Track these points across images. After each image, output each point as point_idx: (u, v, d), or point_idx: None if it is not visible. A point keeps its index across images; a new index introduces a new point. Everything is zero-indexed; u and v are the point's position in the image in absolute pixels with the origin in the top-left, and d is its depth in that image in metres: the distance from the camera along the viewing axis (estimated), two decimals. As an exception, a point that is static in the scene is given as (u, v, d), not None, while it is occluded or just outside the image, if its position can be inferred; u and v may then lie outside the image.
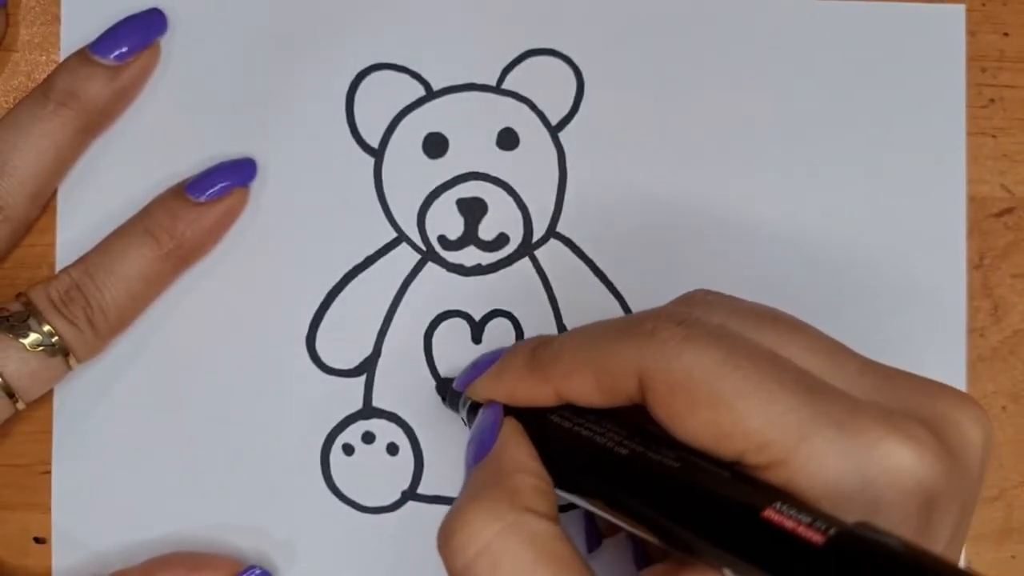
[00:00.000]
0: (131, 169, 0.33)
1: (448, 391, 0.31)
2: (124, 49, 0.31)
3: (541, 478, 0.25)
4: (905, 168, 0.34)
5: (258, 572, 0.32)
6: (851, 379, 0.23)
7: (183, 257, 0.31)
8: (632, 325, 0.24)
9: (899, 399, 0.23)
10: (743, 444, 0.22)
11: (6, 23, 0.33)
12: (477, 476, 0.26)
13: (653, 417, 0.24)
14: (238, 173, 0.32)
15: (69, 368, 0.31)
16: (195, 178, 0.32)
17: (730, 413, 0.22)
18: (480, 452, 0.26)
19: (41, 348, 0.30)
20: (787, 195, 0.34)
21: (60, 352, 0.30)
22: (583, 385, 0.25)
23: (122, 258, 0.31)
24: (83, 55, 0.31)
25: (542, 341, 0.26)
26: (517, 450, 0.26)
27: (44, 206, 0.32)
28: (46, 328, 0.30)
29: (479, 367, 0.28)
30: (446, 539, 0.24)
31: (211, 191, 0.31)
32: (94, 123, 0.31)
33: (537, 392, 0.26)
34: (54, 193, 0.33)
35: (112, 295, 0.30)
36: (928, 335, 0.34)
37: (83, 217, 0.33)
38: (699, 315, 0.24)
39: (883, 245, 0.33)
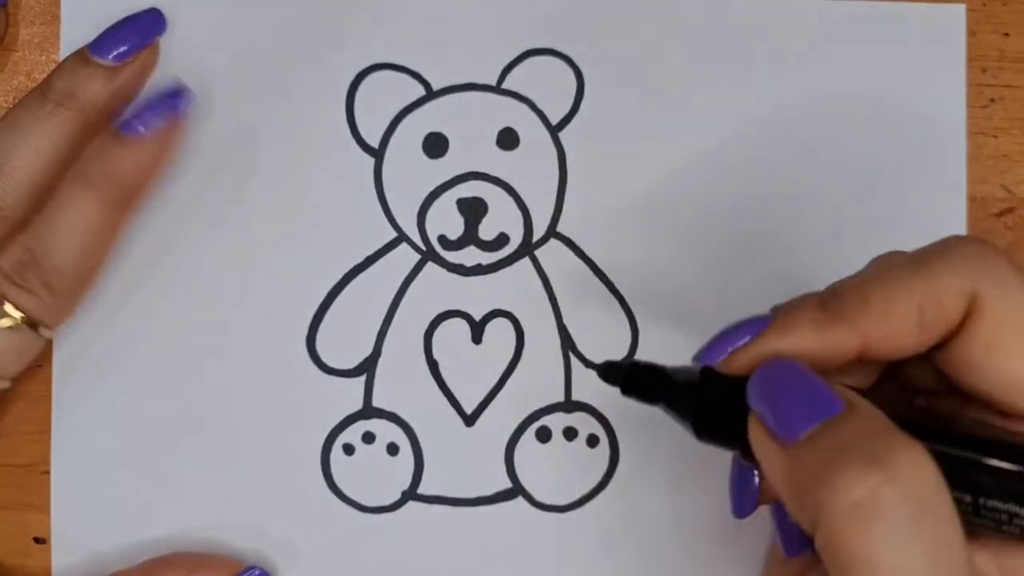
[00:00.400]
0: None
1: (640, 374, 0.25)
2: (123, 49, 0.31)
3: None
4: (905, 168, 0.34)
5: (257, 572, 0.32)
6: None
7: (124, 198, 0.31)
8: (954, 247, 0.22)
9: None
10: None
11: (6, 23, 0.33)
12: (845, 432, 0.21)
13: (951, 358, 0.22)
14: (169, 103, 0.31)
15: (43, 337, 0.31)
16: (125, 117, 0.31)
17: None
18: (823, 405, 0.22)
19: (8, 327, 0.30)
20: (788, 195, 0.33)
21: (27, 324, 0.30)
22: (904, 322, 0.22)
23: (65, 214, 0.30)
24: (82, 55, 0.31)
25: (829, 291, 0.23)
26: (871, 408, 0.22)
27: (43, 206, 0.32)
28: (6, 306, 0.30)
29: (737, 334, 0.24)
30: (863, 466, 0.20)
31: (144, 127, 0.30)
32: (93, 123, 0.31)
33: (840, 342, 0.23)
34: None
35: (64, 254, 0.30)
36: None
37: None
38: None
39: (884, 245, 0.32)
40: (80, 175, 0.30)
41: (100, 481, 0.33)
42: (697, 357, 0.24)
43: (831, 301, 0.23)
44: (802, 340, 0.23)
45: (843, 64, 0.34)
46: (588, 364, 0.33)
